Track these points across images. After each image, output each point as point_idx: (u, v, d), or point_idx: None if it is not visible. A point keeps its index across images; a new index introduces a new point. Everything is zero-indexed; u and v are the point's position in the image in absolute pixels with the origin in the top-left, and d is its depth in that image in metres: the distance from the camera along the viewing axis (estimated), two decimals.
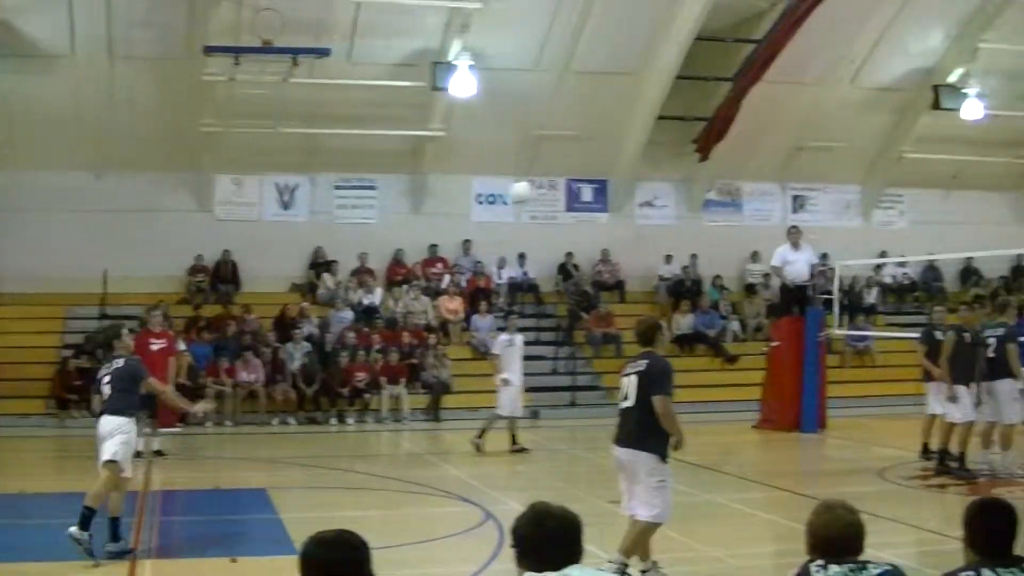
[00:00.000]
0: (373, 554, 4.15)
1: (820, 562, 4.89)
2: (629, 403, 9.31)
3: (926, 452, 16.46)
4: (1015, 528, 5.04)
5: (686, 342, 26.80)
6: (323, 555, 4.34)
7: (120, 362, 10.98)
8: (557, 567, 4.41)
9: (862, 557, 4.96)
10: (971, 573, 4.89)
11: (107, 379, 10.82)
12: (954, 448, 15.65)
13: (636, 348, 11.03)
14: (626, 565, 9.36)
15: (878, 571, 4.86)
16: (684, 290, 28.41)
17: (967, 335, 15.69)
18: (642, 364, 9.38)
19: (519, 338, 19.11)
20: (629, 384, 9.34)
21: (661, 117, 26.86)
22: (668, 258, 29.05)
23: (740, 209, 30.39)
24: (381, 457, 20.77)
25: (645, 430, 9.19)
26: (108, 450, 10.33)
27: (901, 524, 12.37)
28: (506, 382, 18.23)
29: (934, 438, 16.36)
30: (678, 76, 25.77)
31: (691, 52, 25.22)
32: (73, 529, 9.84)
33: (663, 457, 9.23)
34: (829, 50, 26.73)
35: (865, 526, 5.04)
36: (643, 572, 9.53)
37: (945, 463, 15.71)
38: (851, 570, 4.85)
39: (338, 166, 27.25)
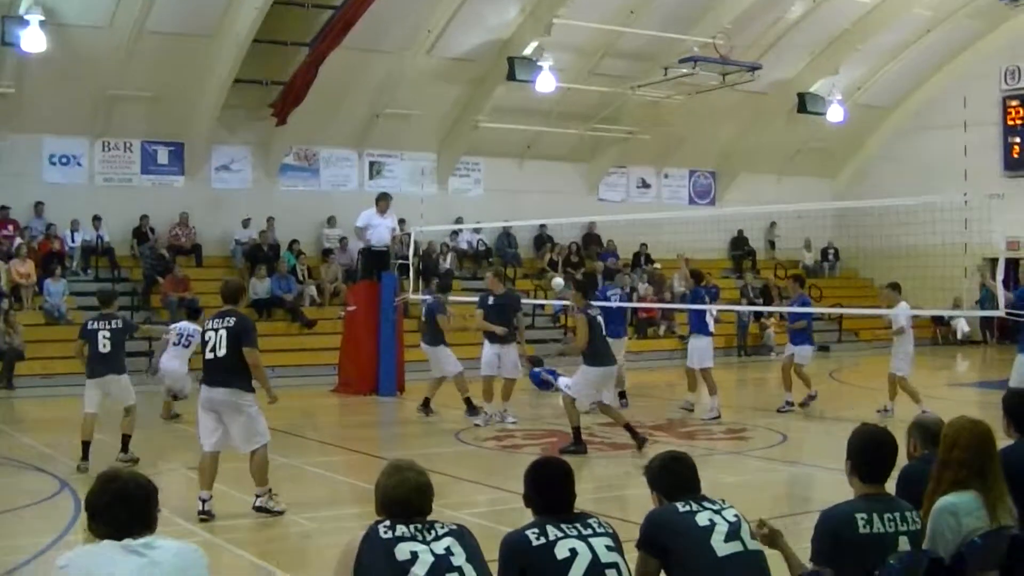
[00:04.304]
0: None
1: (387, 522, 5.46)
2: (221, 353, 11.55)
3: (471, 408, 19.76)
4: (571, 485, 5.93)
5: (264, 307, 28.82)
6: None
7: None
8: (131, 532, 4.71)
9: (431, 517, 5.59)
10: (536, 530, 5.62)
11: None
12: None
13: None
14: (270, 491, 11.74)
15: (444, 531, 5.49)
16: (261, 255, 30.56)
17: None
18: (230, 320, 11.68)
19: None
20: (219, 337, 11.59)
21: (238, 80, 28.50)
22: (245, 222, 31.33)
23: (317, 174, 33.15)
24: None
25: (237, 374, 11.55)
26: None
27: (476, 484, 14.05)
28: None
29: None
30: (255, 40, 27.18)
31: (269, 16, 26.44)
32: None
33: (252, 390, 11.67)
34: (407, 19, 29.38)
35: (433, 487, 5.72)
36: (267, 496, 11.78)
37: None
38: (418, 530, 5.43)
39: None
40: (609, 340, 19.91)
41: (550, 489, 5.87)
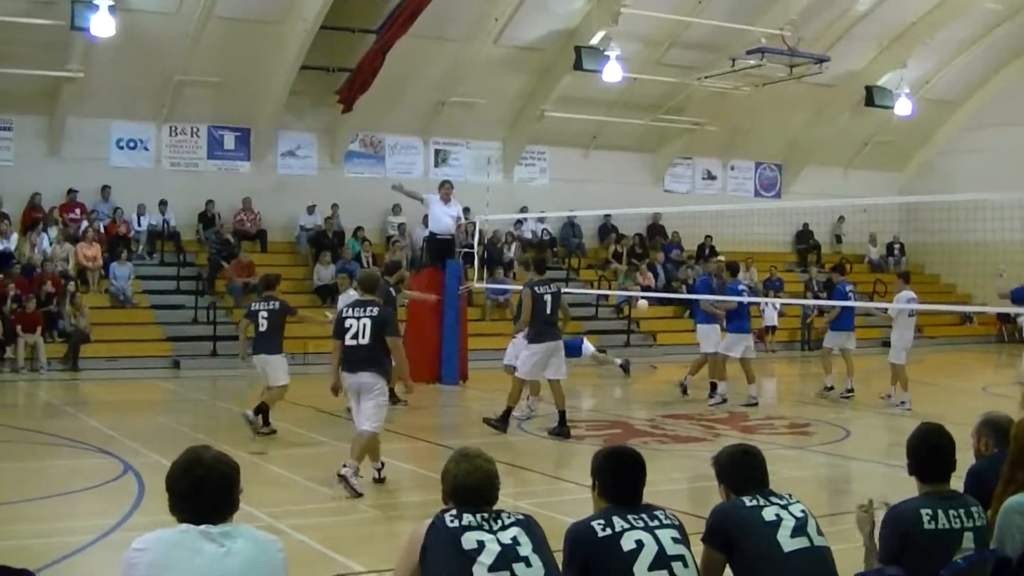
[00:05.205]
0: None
1: (454, 511, 5.44)
2: (364, 341, 12.33)
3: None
4: (642, 476, 5.86)
5: (327, 293, 28.44)
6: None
7: None
8: (211, 518, 4.70)
9: (497, 506, 5.58)
10: (601, 521, 5.57)
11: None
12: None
13: None
14: (357, 469, 12.26)
15: (511, 520, 5.46)
16: (326, 241, 30.73)
17: None
18: (373, 310, 12.52)
19: None
20: (361, 326, 12.34)
21: (305, 67, 28.82)
22: (310, 208, 31.56)
23: (382, 161, 33.31)
24: (17, 408, 21.79)
25: (376, 361, 12.41)
26: None
27: (538, 474, 14.14)
28: None
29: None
30: (323, 26, 27.43)
31: (336, 2, 26.67)
32: None
33: (388, 380, 12.60)
34: (474, 7, 29.60)
35: (499, 476, 5.71)
36: (377, 470, 12.88)
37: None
38: (484, 519, 5.40)
39: None
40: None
41: (622, 477, 5.82)
